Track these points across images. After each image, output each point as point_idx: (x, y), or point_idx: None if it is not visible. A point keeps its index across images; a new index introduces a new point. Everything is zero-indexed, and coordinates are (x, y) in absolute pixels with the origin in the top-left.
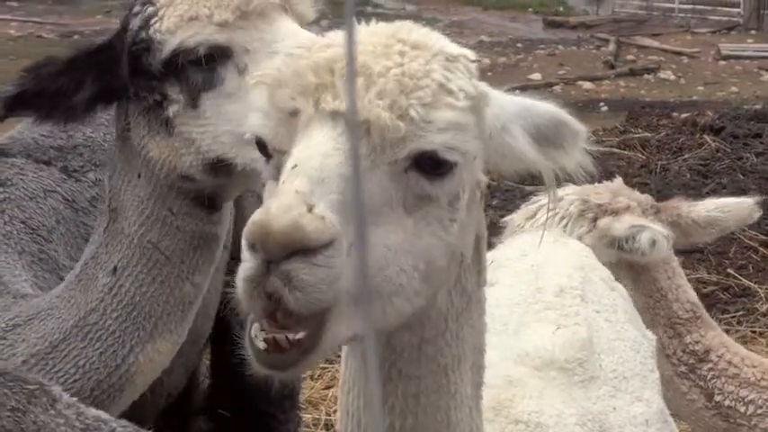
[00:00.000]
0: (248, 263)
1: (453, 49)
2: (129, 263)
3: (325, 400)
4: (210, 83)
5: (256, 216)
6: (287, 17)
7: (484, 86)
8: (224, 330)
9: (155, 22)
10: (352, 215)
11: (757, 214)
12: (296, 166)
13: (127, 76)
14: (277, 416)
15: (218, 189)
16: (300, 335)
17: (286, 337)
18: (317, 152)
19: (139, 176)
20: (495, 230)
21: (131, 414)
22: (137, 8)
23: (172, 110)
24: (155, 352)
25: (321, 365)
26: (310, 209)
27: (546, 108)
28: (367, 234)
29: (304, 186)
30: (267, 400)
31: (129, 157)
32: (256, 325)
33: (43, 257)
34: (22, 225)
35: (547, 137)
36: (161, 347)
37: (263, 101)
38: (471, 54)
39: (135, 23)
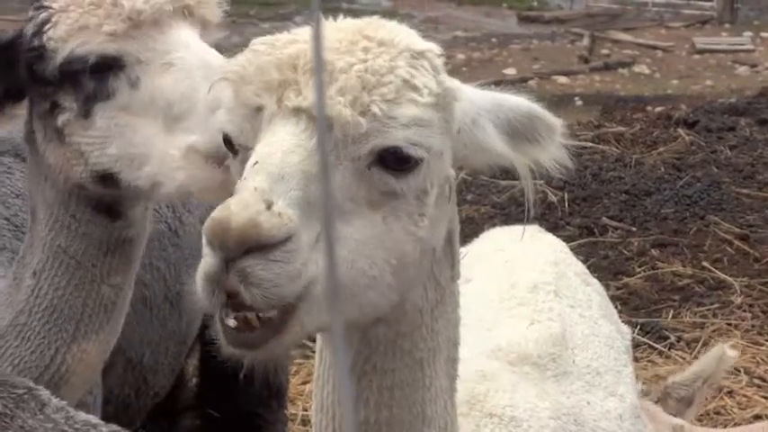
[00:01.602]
0: (208, 259)
1: (420, 45)
2: (44, 266)
3: (302, 395)
4: (102, 94)
5: (216, 213)
6: (185, 24)
7: (453, 82)
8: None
9: (48, 29)
10: (316, 211)
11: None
12: (257, 162)
13: (24, 80)
14: (264, 415)
15: (115, 198)
16: (271, 313)
17: (257, 315)
18: (278, 149)
19: (45, 180)
20: (470, 225)
21: (117, 416)
22: (31, 13)
23: (62, 118)
24: (82, 352)
25: (298, 361)
26: (269, 206)
27: (518, 102)
28: (333, 230)
29: (263, 183)
30: (255, 399)
31: (37, 159)
32: None
33: None
34: (5, 221)
35: (520, 131)
36: (88, 348)
37: (229, 97)
38: (437, 49)
39: (29, 29)
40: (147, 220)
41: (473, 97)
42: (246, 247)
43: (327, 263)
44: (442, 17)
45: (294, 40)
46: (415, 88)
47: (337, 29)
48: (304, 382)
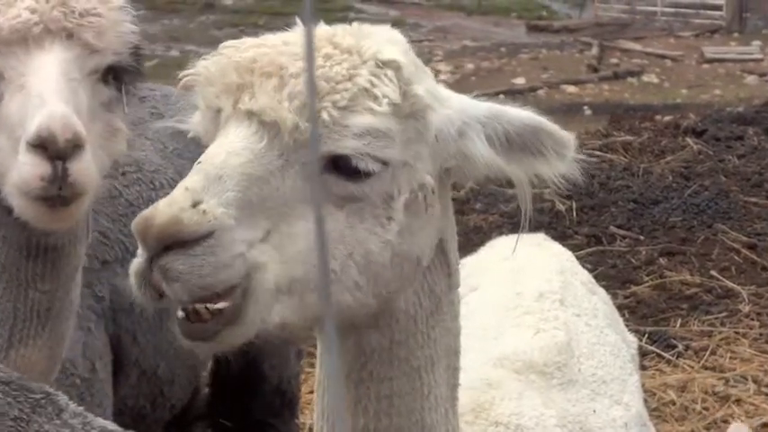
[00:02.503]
0: (137, 258)
1: (388, 54)
2: None
3: (309, 404)
4: None
5: (145, 211)
6: (58, 46)
7: (442, 91)
8: None
9: None
10: (261, 211)
11: None
12: (200, 162)
13: None
14: (276, 425)
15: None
16: (222, 305)
17: (206, 306)
18: (223, 150)
19: None
20: (479, 234)
21: (134, 427)
22: None
23: None
24: (21, 358)
25: (306, 370)
26: (195, 204)
27: (519, 115)
28: (324, 232)
29: (197, 183)
30: (267, 409)
31: None
32: None
33: None
34: None
35: (519, 143)
36: (26, 353)
37: (198, 98)
38: (403, 59)
39: None
40: (77, 229)
41: (464, 107)
42: (165, 243)
43: (318, 263)
44: (450, 26)
45: (259, 44)
46: (373, 97)
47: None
48: (311, 391)
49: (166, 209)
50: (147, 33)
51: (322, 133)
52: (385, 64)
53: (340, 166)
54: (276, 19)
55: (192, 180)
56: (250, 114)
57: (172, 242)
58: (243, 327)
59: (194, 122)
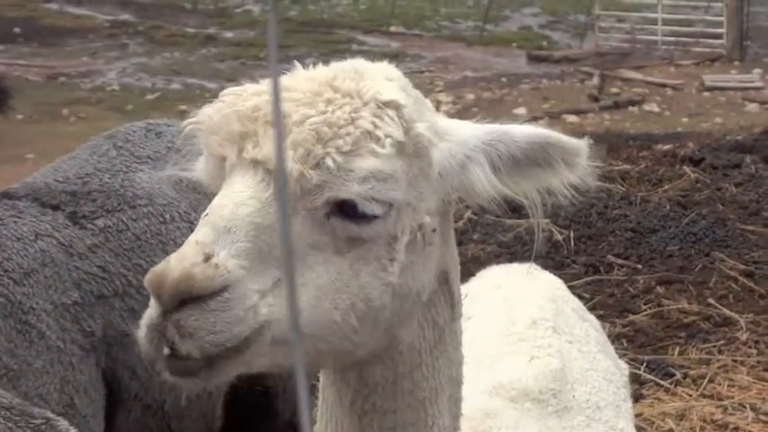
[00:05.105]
0: (151, 310)
1: (387, 95)
2: None
3: None
4: None
5: (157, 266)
6: None
7: (444, 122)
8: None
9: None
10: (272, 259)
11: None
12: (207, 214)
13: None
14: None
15: None
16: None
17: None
18: (230, 200)
19: None
20: (476, 264)
21: None
22: None
23: None
24: None
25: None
26: (207, 258)
27: (524, 132)
28: (293, 278)
29: (207, 236)
30: None
31: None
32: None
33: (1, 301)
34: None
35: (525, 161)
36: None
37: (202, 146)
38: (402, 98)
39: None
40: None
41: (465, 138)
42: (179, 299)
43: (288, 307)
44: (451, 57)
45: (259, 92)
46: (376, 139)
47: (308, 78)
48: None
49: (178, 264)
50: (148, 66)
51: (326, 179)
52: (385, 104)
53: (345, 210)
54: (278, 51)
55: (202, 233)
56: (255, 163)
57: (187, 297)
58: (223, 372)
59: (199, 170)
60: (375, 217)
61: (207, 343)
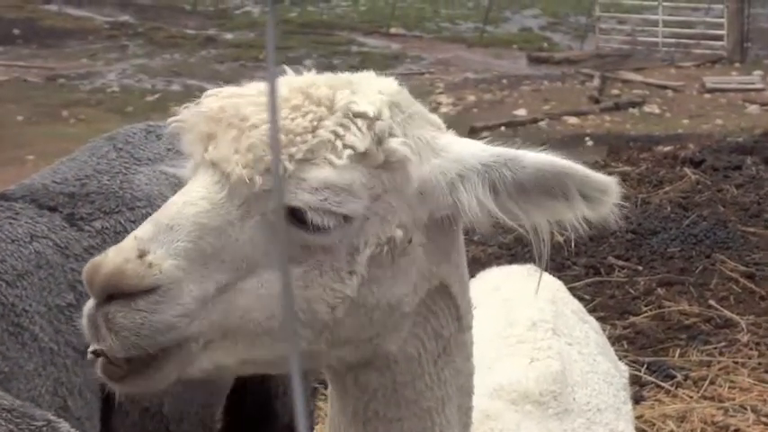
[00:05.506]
0: (89, 300)
1: (362, 107)
2: None
3: None
4: None
5: (96, 258)
6: None
7: (443, 138)
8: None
9: None
10: (215, 263)
11: None
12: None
13: None
14: None
15: None
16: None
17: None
18: (180, 199)
19: None
20: (476, 265)
21: None
22: None
23: None
24: None
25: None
26: (141, 255)
27: (536, 159)
28: (291, 285)
29: (146, 232)
30: None
31: None
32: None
33: None
34: None
35: (535, 190)
36: None
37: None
38: (379, 112)
39: None
40: None
41: (461, 156)
42: (108, 293)
43: (284, 312)
44: (452, 59)
45: (235, 94)
46: (335, 149)
47: (285, 83)
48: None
49: (113, 258)
50: (148, 67)
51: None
52: (356, 115)
53: (297, 218)
54: (277, 53)
55: (144, 229)
56: (213, 164)
57: (115, 292)
58: (154, 378)
59: (188, 168)
60: (327, 228)
61: (130, 344)
